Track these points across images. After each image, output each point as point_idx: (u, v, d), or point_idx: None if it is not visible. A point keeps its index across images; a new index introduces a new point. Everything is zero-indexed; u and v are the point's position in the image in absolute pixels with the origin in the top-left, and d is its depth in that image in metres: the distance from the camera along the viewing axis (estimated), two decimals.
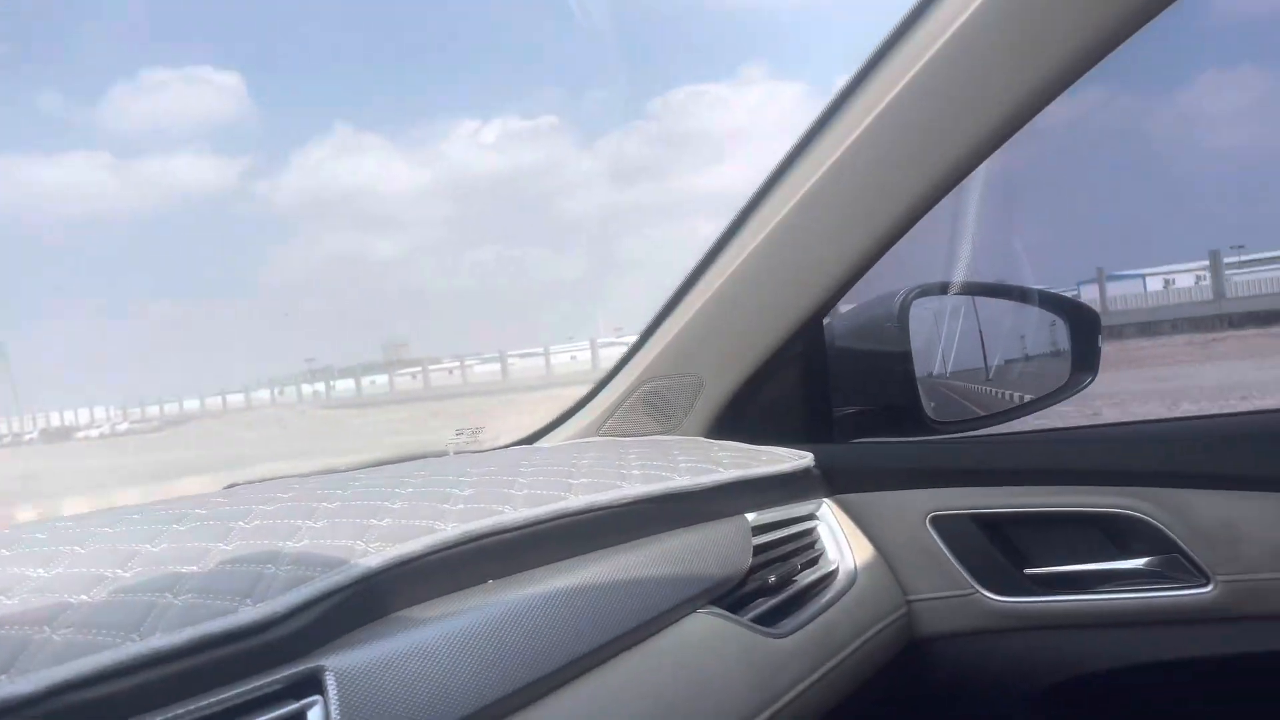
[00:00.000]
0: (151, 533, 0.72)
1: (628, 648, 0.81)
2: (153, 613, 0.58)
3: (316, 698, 0.59)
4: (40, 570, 0.65)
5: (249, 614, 0.60)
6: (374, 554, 0.69)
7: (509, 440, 1.49)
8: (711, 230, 1.25)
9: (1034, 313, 1.53)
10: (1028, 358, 1.52)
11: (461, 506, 0.81)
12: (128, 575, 0.64)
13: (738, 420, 1.30)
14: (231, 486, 1.07)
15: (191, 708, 0.55)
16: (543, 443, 1.43)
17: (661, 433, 1.32)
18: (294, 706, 0.58)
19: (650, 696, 0.81)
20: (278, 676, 0.59)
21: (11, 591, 0.61)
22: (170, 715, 0.54)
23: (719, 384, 1.27)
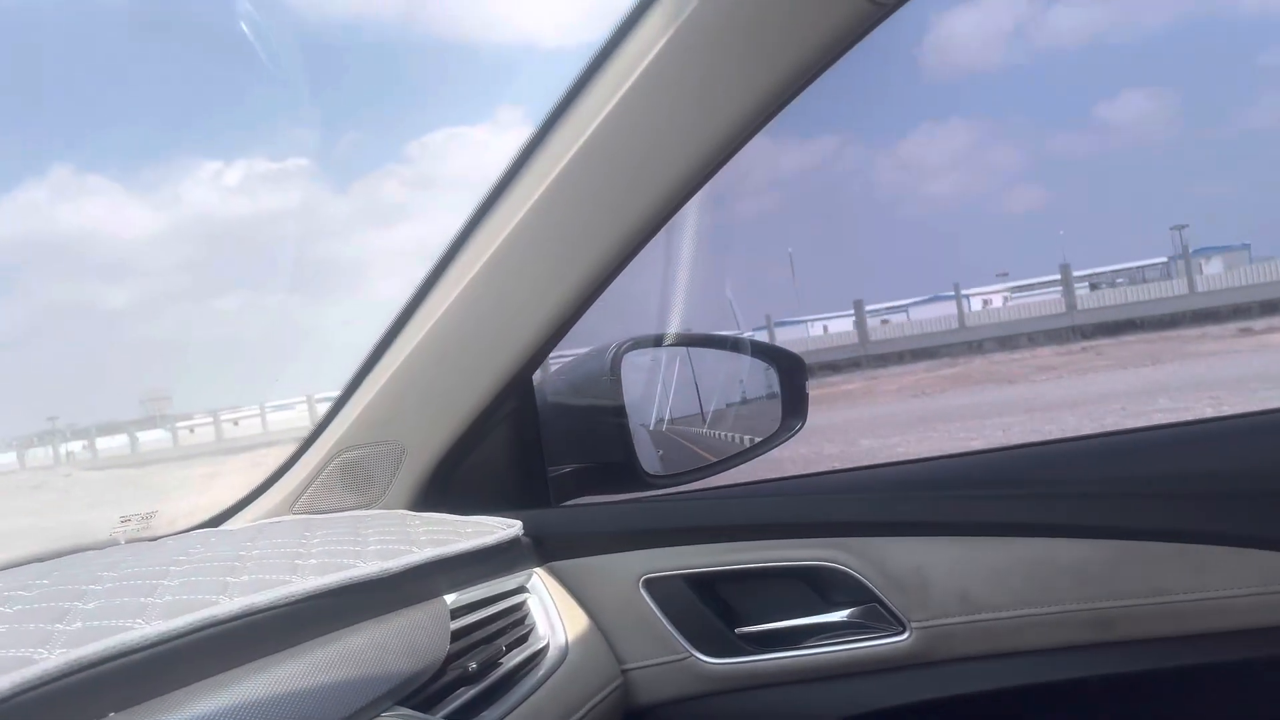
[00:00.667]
0: None
1: None
2: None
3: None
4: None
5: None
6: None
7: (191, 523, 1.32)
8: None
9: (746, 361, 1.55)
10: (741, 405, 1.54)
11: (79, 625, 0.67)
12: None
13: (445, 488, 1.21)
14: None
15: None
16: (229, 524, 1.28)
17: (362, 506, 1.21)
18: None
19: None
20: None
21: None
22: None
23: (422, 450, 1.18)
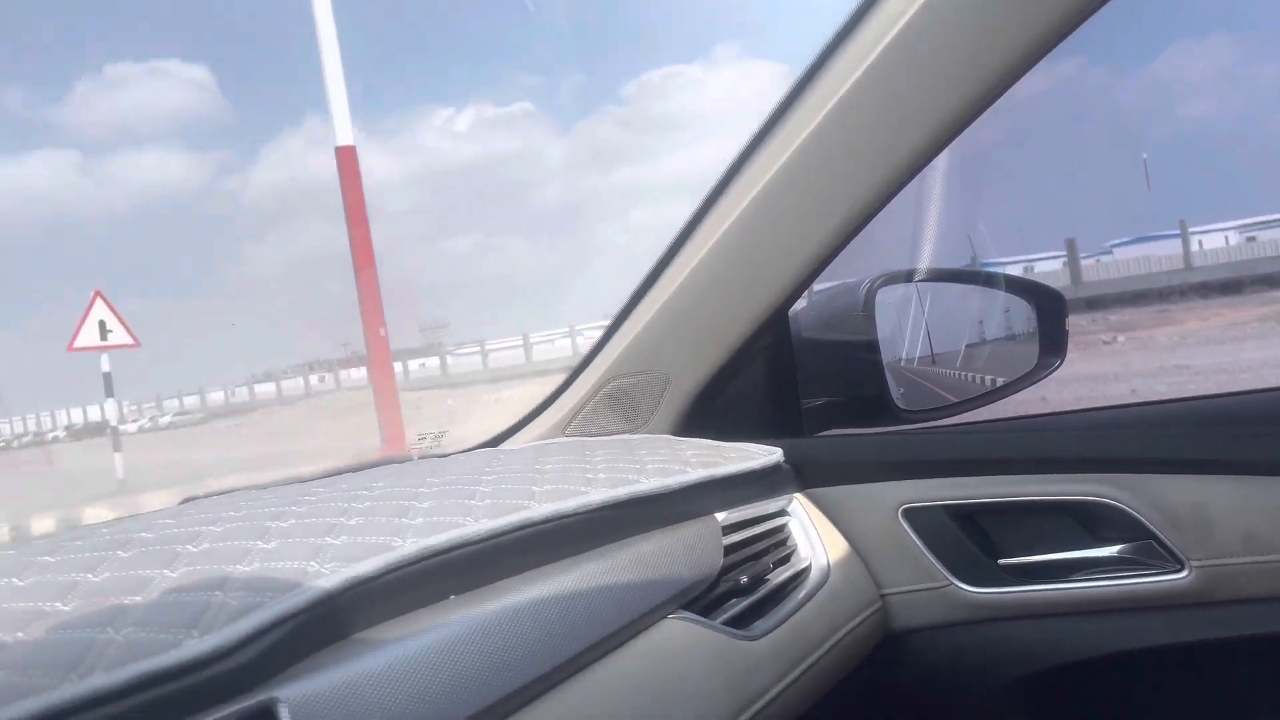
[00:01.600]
0: (94, 560, 0.68)
1: (599, 657, 0.79)
2: (92, 650, 0.54)
3: None
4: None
5: (194, 647, 0.56)
6: (328, 575, 0.66)
7: (474, 443, 1.46)
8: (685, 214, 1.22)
9: (1000, 297, 1.52)
10: (995, 343, 1.51)
11: (420, 520, 0.78)
12: (67, 609, 0.60)
13: (705, 417, 1.27)
14: (188, 500, 1.03)
15: None
16: (508, 444, 1.40)
17: (627, 432, 1.29)
18: None
19: (624, 706, 0.79)
20: (226, 713, 0.56)
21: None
22: None
23: (685, 380, 1.25)
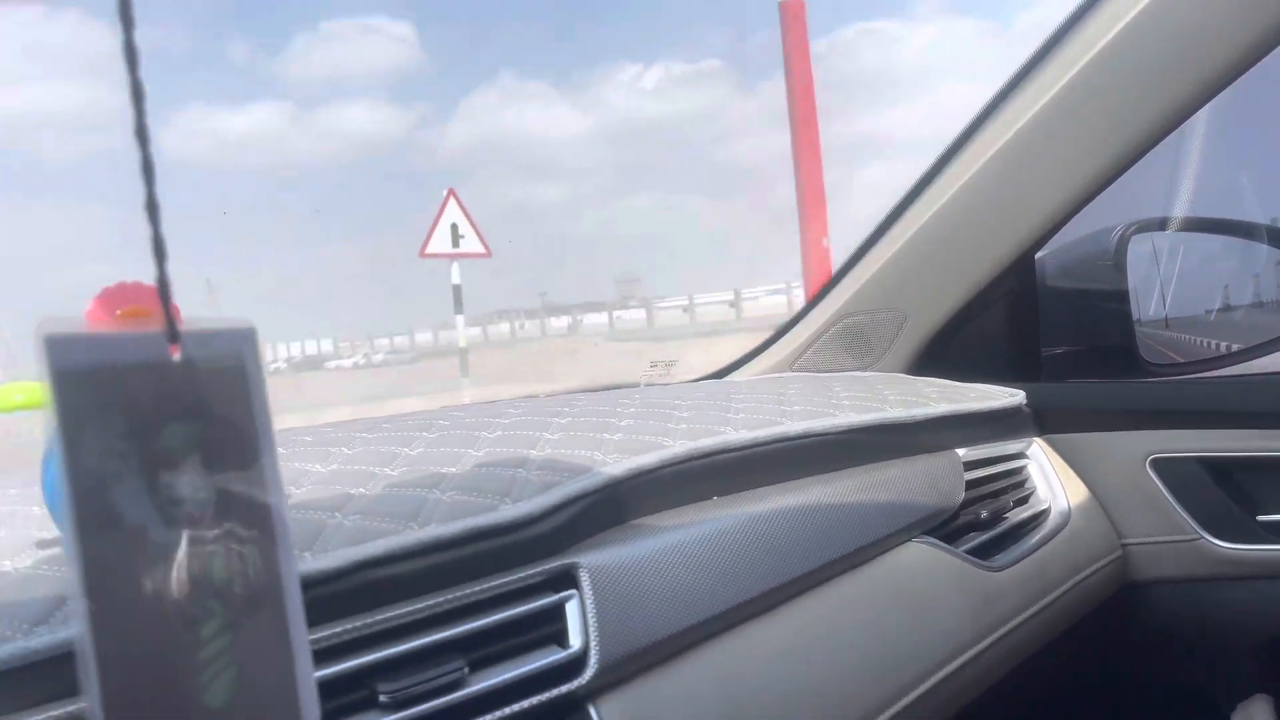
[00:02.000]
0: (406, 438, 0.78)
1: (847, 570, 0.82)
2: (425, 506, 0.63)
3: (573, 591, 0.63)
4: (318, 466, 0.71)
5: (510, 511, 0.64)
6: (614, 464, 0.73)
7: (697, 375, 1.51)
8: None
9: (1262, 250, 1.43)
10: (1255, 300, 1.42)
11: (685, 426, 0.84)
12: (394, 474, 0.69)
13: (940, 357, 1.27)
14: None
15: (466, 592, 0.59)
16: (734, 377, 1.44)
17: (858, 369, 1.31)
18: (554, 598, 0.62)
19: (870, 620, 0.82)
20: (538, 570, 0.63)
21: (299, 483, 0.67)
22: (447, 598, 0.58)
23: (923, 319, 1.25)
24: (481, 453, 0.74)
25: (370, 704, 0.53)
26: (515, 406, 0.95)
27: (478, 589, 0.60)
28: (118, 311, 0.50)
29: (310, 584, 0.55)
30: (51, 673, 0.47)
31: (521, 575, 0.62)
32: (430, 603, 0.57)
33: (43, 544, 0.55)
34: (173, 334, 0.30)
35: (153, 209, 0.30)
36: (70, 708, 0.46)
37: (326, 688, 0.52)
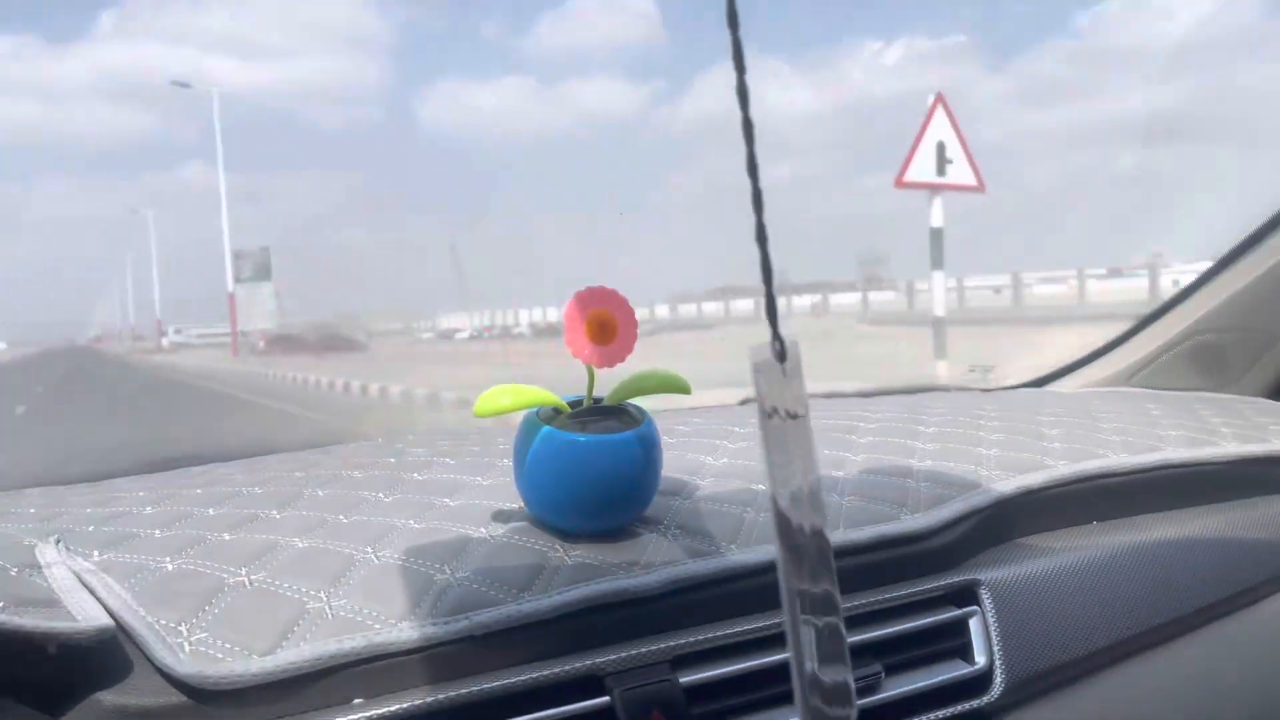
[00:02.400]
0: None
1: (1232, 611, 0.78)
2: (828, 510, 0.65)
3: (974, 608, 0.63)
4: (708, 459, 0.75)
5: (912, 522, 0.65)
6: (1002, 480, 0.72)
7: (1015, 381, 1.46)
8: None
9: None
10: None
11: (1058, 445, 0.81)
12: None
13: None
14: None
15: (883, 597, 0.61)
16: (1055, 387, 1.38)
17: (1208, 390, 1.22)
18: (958, 612, 0.63)
19: (1254, 668, 0.77)
20: (941, 583, 0.64)
21: (699, 474, 0.71)
22: (862, 602, 0.60)
23: None
24: (860, 458, 0.76)
25: (785, 700, 0.56)
26: (837, 405, 0.97)
27: (891, 596, 0.61)
28: (588, 312, 0.56)
29: (740, 576, 0.58)
30: (539, 634, 0.53)
31: (928, 586, 0.63)
32: (849, 605, 0.59)
33: (501, 515, 0.62)
34: (781, 352, 0.36)
35: (762, 239, 0.33)
36: (569, 666, 0.51)
37: (757, 678, 0.56)
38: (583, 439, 0.56)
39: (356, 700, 0.48)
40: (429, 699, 0.48)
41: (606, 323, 0.55)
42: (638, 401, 0.61)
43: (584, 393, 0.60)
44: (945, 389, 1.37)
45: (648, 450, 0.58)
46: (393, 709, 0.48)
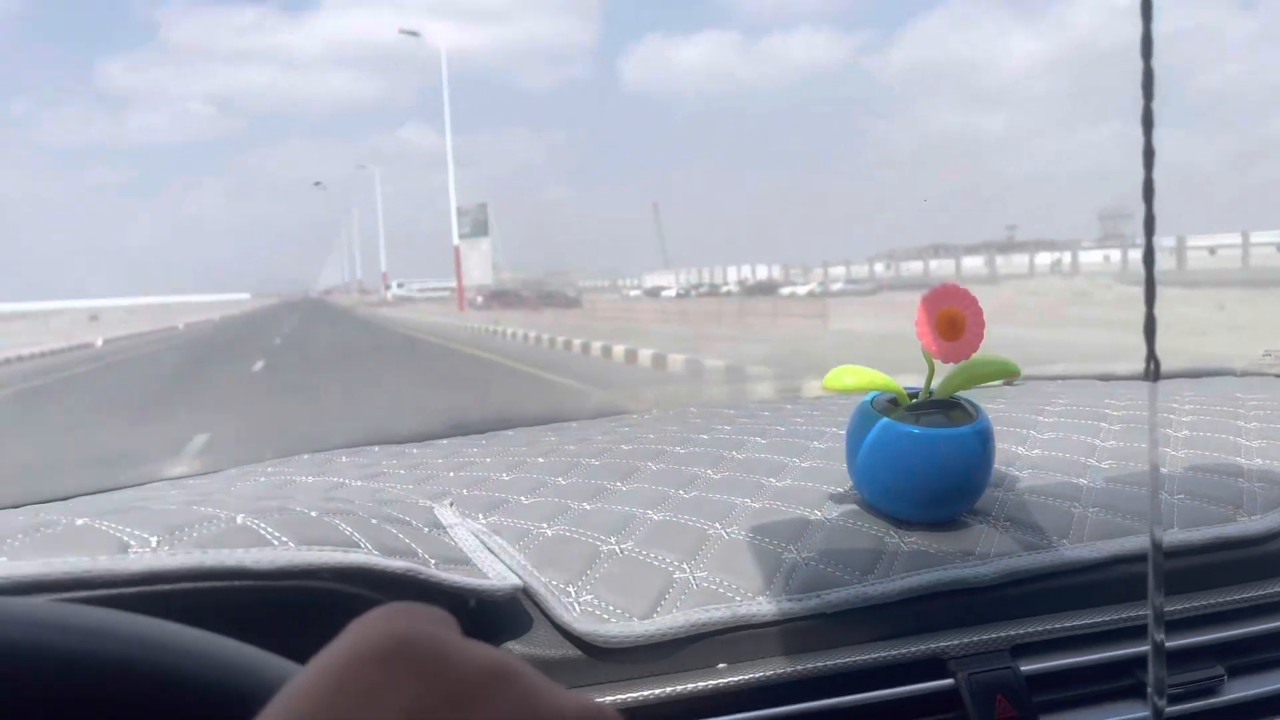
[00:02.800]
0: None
1: None
2: (1167, 508, 0.63)
3: None
4: (1020, 449, 0.75)
5: (1250, 525, 0.63)
6: None
7: None
8: None
9: None
10: None
11: None
12: (1104, 466, 0.70)
13: None
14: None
15: (1232, 599, 0.60)
16: None
17: None
18: None
19: None
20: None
21: (1016, 465, 0.71)
22: (1207, 603, 0.59)
23: None
24: (1182, 453, 0.74)
25: (1133, 692, 0.56)
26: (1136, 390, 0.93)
27: (1239, 597, 0.60)
28: (939, 309, 0.57)
29: (1073, 571, 0.59)
30: (885, 616, 0.55)
31: (1269, 592, 0.61)
32: (1193, 605, 0.59)
33: (832, 499, 0.65)
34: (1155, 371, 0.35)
35: (1149, 208, 0.33)
36: (914, 648, 0.54)
37: (1087, 671, 0.56)
38: (917, 431, 0.58)
39: (721, 665, 0.53)
40: (785, 669, 0.52)
41: (955, 320, 0.56)
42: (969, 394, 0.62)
43: (910, 379, 0.62)
44: (1237, 374, 1.28)
45: (983, 444, 0.59)
46: (753, 676, 0.52)
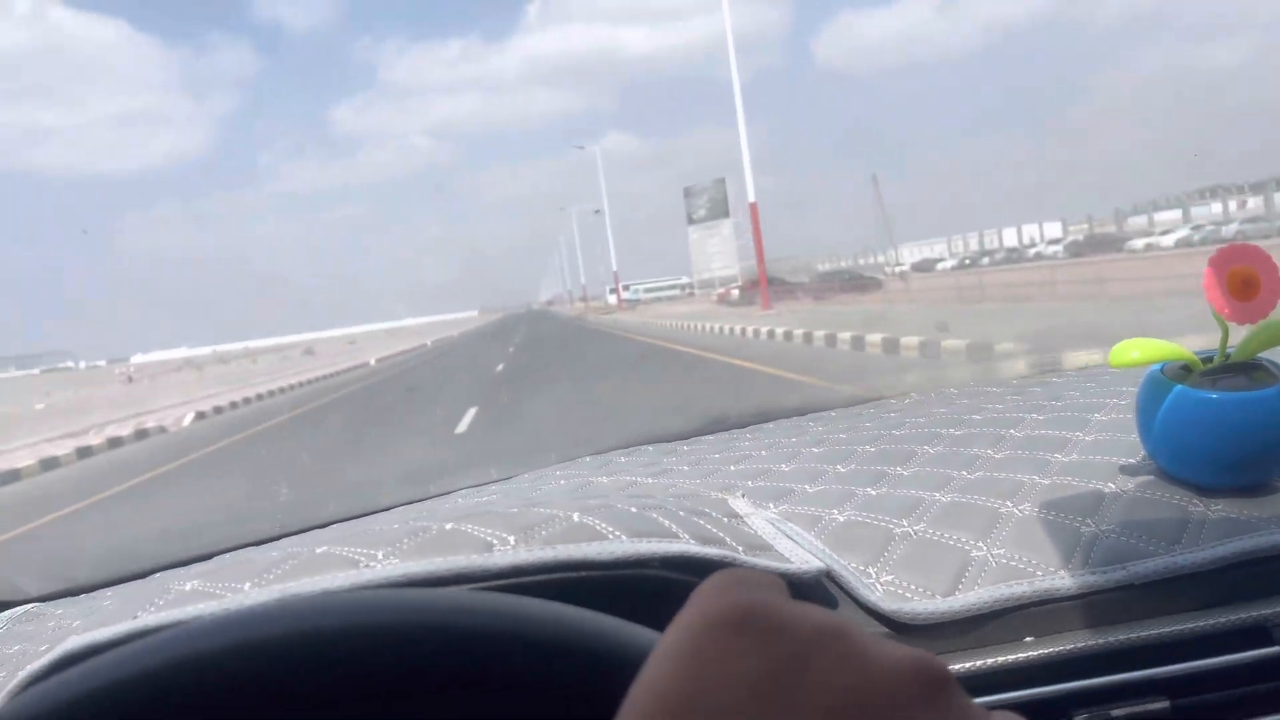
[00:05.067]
0: None
1: None
2: None
3: None
4: None
5: None
6: None
7: None
8: None
9: None
10: None
11: None
12: None
13: None
14: None
15: None
16: None
17: None
18: None
19: None
20: None
21: None
22: None
23: None
24: None
25: None
26: None
27: None
28: (1229, 268, 0.55)
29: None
30: (1197, 585, 0.55)
31: None
32: None
33: (1125, 470, 0.64)
34: None
35: None
36: (1234, 616, 0.53)
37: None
38: (1215, 396, 0.57)
39: (1028, 638, 0.54)
40: (1092, 641, 0.53)
41: (1249, 279, 0.55)
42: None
43: (1211, 346, 0.60)
44: None
45: None
46: (1061, 649, 0.53)
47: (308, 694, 0.32)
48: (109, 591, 0.90)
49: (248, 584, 0.50)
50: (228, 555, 0.87)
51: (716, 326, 18.37)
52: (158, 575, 0.80)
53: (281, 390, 18.10)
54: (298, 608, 0.33)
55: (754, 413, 1.12)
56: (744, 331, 15.87)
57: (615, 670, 0.32)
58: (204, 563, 0.71)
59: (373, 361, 26.82)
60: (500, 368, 15.68)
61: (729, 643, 0.25)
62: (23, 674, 0.50)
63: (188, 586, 0.52)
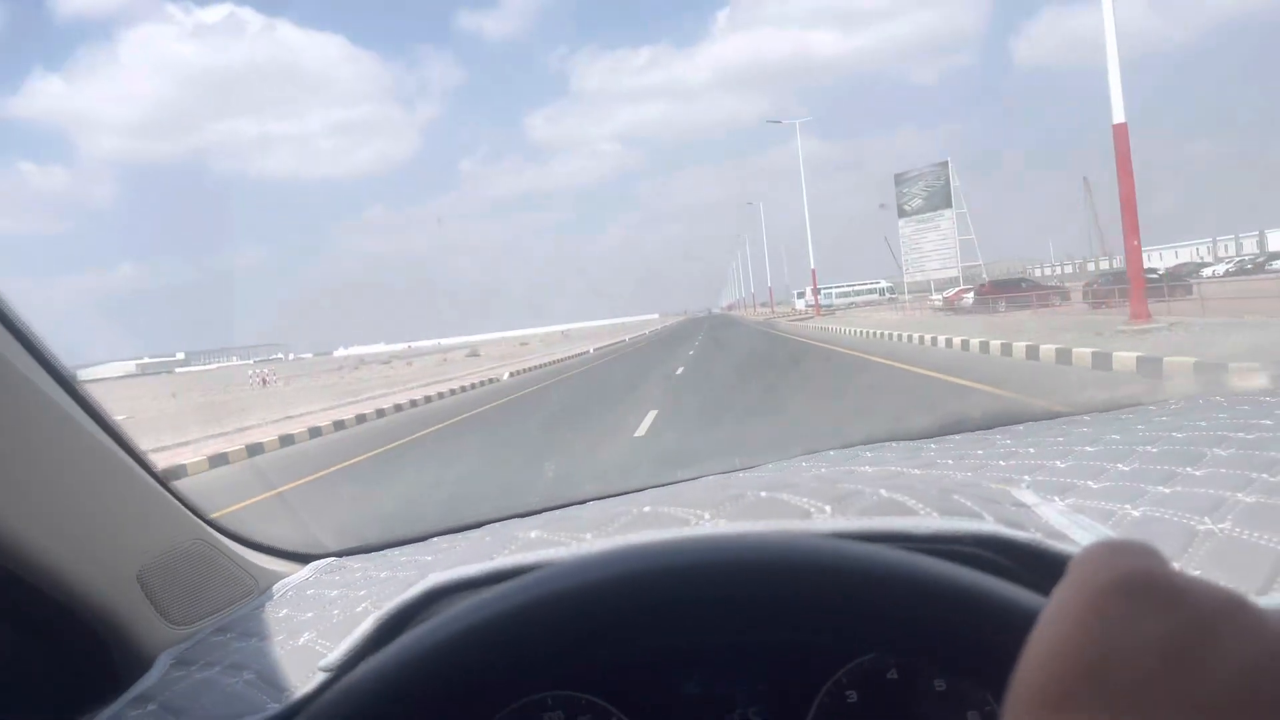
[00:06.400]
0: None
1: None
2: None
3: None
4: None
5: None
6: None
7: None
8: None
9: None
10: None
11: None
12: None
13: None
14: None
15: None
16: None
17: None
18: None
19: None
20: None
21: None
22: None
23: None
24: None
25: None
26: None
27: None
28: None
29: None
30: None
31: None
32: None
33: None
34: None
35: None
36: None
37: None
38: None
39: None
40: None
41: None
42: None
43: None
44: None
45: None
46: None
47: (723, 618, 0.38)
48: (398, 550, 1.00)
49: (589, 534, 0.56)
50: (505, 521, 0.96)
51: (1078, 353, 9.73)
52: (495, 524, 0.90)
53: (481, 384, 20.66)
54: (775, 543, 0.40)
55: (999, 413, 1.11)
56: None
57: (1001, 627, 0.36)
58: (535, 516, 0.79)
59: (591, 350, 30.38)
60: (680, 370, 16.39)
61: (1129, 608, 0.26)
62: (391, 604, 0.57)
63: (532, 534, 0.59)
